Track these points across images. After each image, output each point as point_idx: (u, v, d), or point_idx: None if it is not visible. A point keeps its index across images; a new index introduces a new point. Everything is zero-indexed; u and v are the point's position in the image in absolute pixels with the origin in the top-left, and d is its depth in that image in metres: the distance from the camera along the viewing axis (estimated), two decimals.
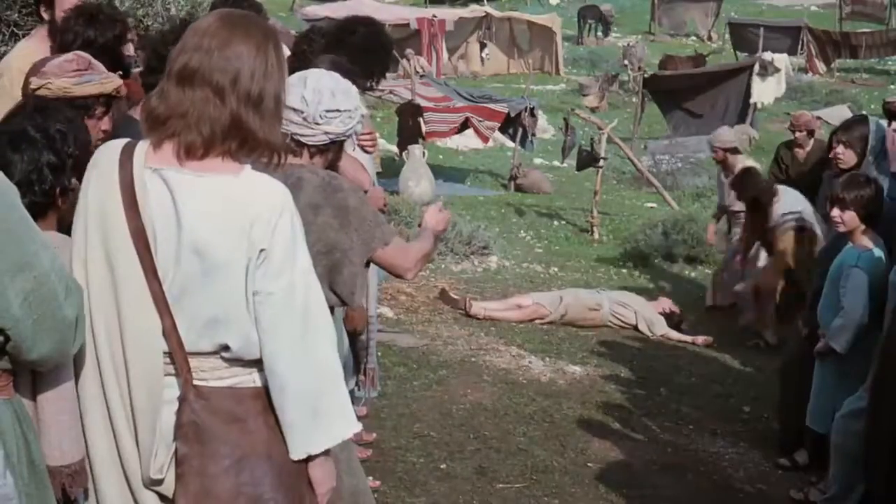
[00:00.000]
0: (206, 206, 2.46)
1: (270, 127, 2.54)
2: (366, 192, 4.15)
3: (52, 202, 2.78)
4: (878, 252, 5.36)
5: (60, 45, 4.59)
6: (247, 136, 2.50)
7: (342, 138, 3.48)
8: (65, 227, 2.71)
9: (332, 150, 3.49)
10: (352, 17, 5.33)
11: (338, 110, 3.38)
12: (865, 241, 5.39)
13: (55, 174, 2.77)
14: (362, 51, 5.06)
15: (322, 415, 2.56)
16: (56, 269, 2.36)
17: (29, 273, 2.30)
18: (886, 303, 4.79)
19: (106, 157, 2.56)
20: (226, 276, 2.46)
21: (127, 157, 2.53)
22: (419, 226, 3.79)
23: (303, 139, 3.37)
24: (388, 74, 9.43)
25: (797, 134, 10.44)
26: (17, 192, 2.38)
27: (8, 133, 2.86)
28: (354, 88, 3.53)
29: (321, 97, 3.35)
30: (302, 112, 3.33)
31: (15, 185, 2.69)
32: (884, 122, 6.13)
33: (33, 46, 5.18)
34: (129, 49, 5.36)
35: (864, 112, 20.96)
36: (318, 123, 3.36)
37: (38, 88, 3.39)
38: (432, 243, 3.57)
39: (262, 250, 2.46)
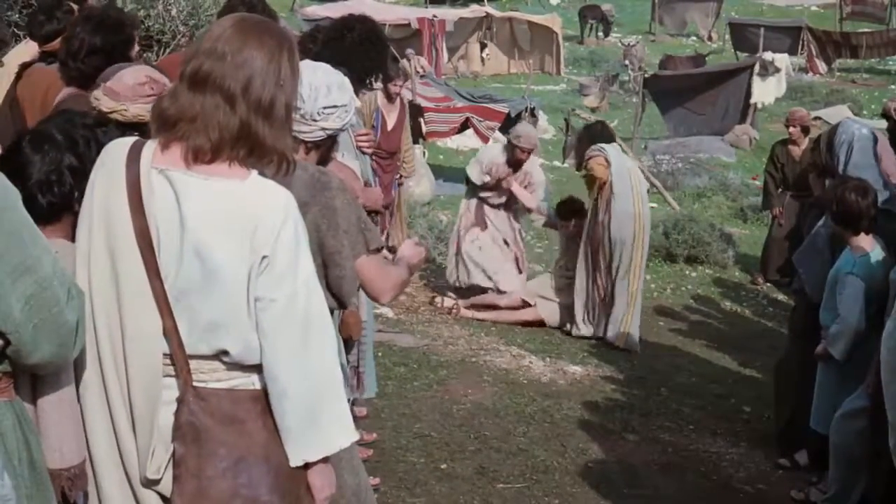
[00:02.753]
0: (210, 209, 2.45)
1: (280, 135, 2.53)
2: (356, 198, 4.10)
3: (69, 205, 2.76)
4: (877, 254, 5.35)
5: (67, 51, 4.56)
6: (255, 143, 2.49)
7: (339, 132, 3.47)
8: None
9: (326, 145, 3.47)
10: (348, 16, 5.32)
11: (335, 106, 3.36)
12: (863, 245, 5.38)
13: (76, 177, 2.74)
14: (359, 48, 5.06)
15: (321, 422, 2.55)
16: (58, 273, 2.36)
17: (31, 277, 2.29)
18: (888, 302, 4.79)
19: (113, 155, 2.55)
20: (227, 280, 2.45)
21: (134, 156, 2.52)
22: (390, 250, 3.75)
23: (300, 136, 3.33)
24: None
25: (791, 129, 10.44)
26: (19, 196, 2.37)
27: (32, 133, 2.86)
28: (347, 80, 3.50)
29: (318, 93, 3.32)
30: (300, 109, 3.30)
31: (34, 184, 2.70)
32: (863, 129, 6.10)
33: (31, 49, 5.18)
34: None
35: (864, 112, 21.05)
36: (315, 120, 3.33)
37: (111, 113, 3.23)
38: (408, 274, 3.46)
39: (264, 257, 2.45)
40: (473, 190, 9.13)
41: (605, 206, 8.40)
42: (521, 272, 9.13)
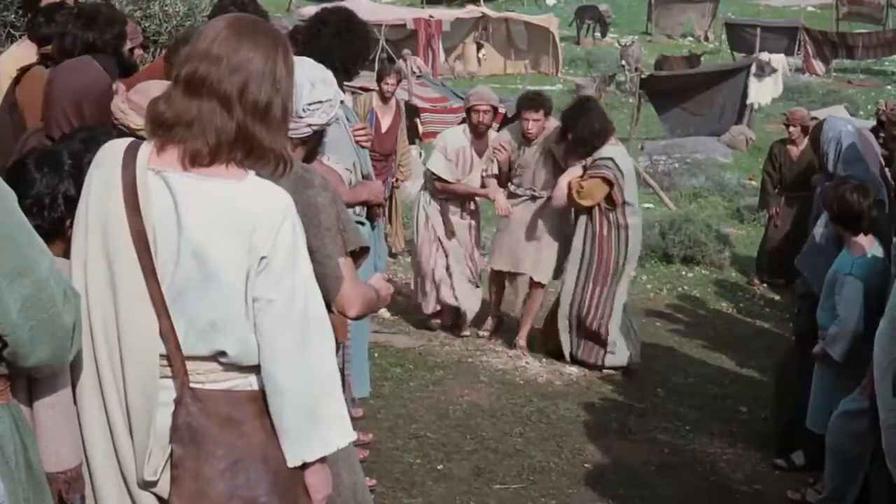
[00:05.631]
0: (208, 210, 2.45)
1: (277, 136, 2.52)
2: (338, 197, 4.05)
3: (59, 231, 2.76)
4: (875, 254, 5.34)
5: (60, 48, 4.58)
6: (253, 146, 2.48)
7: (325, 128, 3.46)
8: None
9: (312, 141, 3.45)
10: (321, 10, 5.31)
11: (319, 102, 3.34)
12: (861, 246, 5.37)
13: (69, 206, 2.74)
14: (337, 39, 5.05)
15: (318, 423, 2.56)
16: (54, 274, 2.35)
17: (27, 279, 2.28)
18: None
19: (109, 156, 2.54)
20: (225, 281, 2.44)
21: (130, 157, 2.51)
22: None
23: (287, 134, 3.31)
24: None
25: (791, 129, 10.42)
26: (16, 198, 2.37)
27: (41, 152, 2.85)
28: (330, 74, 3.49)
29: (301, 90, 3.30)
30: None
31: (27, 205, 2.68)
32: (848, 126, 6.10)
33: (24, 51, 5.18)
34: (136, 50, 5.37)
35: (860, 112, 21.08)
36: (301, 117, 3.32)
37: (139, 130, 3.16)
38: (377, 298, 3.40)
39: (262, 257, 2.44)
40: (433, 191, 8.24)
41: (622, 220, 7.51)
42: (477, 286, 8.37)
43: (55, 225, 2.75)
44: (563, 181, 7.53)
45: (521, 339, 8.10)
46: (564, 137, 7.70)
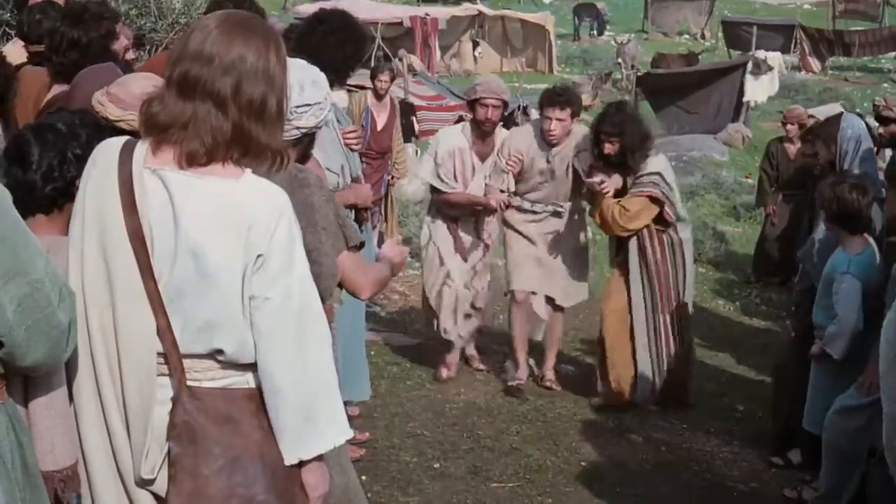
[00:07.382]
0: (204, 208, 2.44)
1: (273, 133, 2.52)
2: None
3: (72, 194, 2.73)
4: (871, 252, 5.33)
5: (48, 46, 4.58)
6: (250, 145, 2.48)
7: (315, 130, 3.44)
8: None
9: (304, 143, 3.44)
10: (318, 10, 5.33)
11: (308, 105, 3.33)
12: (857, 244, 5.36)
13: (80, 165, 2.72)
14: (331, 38, 5.04)
15: (315, 420, 2.55)
16: (49, 274, 2.35)
17: (23, 278, 2.28)
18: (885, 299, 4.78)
19: (105, 154, 2.54)
20: (222, 279, 2.44)
21: (127, 155, 2.50)
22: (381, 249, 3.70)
23: None
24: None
25: (788, 126, 10.44)
26: (10, 196, 2.36)
27: (34, 126, 2.85)
28: (322, 77, 3.48)
29: (290, 92, 3.29)
30: None
31: (37, 171, 2.73)
32: (863, 123, 6.11)
33: (19, 50, 5.18)
34: (128, 51, 5.36)
35: (857, 110, 21.11)
36: (289, 120, 3.31)
37: (118, 121, 3.19)
38: (390, 272, 3.53)
39: (259, 255, 2.44)
40: (438, 208, 7.08)
41: (675, 236, 6.64)
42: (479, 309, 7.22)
43: (70, 186, 2.74)
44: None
45: (549, 372, 7.15)
46: (604, 152, 6.56)
